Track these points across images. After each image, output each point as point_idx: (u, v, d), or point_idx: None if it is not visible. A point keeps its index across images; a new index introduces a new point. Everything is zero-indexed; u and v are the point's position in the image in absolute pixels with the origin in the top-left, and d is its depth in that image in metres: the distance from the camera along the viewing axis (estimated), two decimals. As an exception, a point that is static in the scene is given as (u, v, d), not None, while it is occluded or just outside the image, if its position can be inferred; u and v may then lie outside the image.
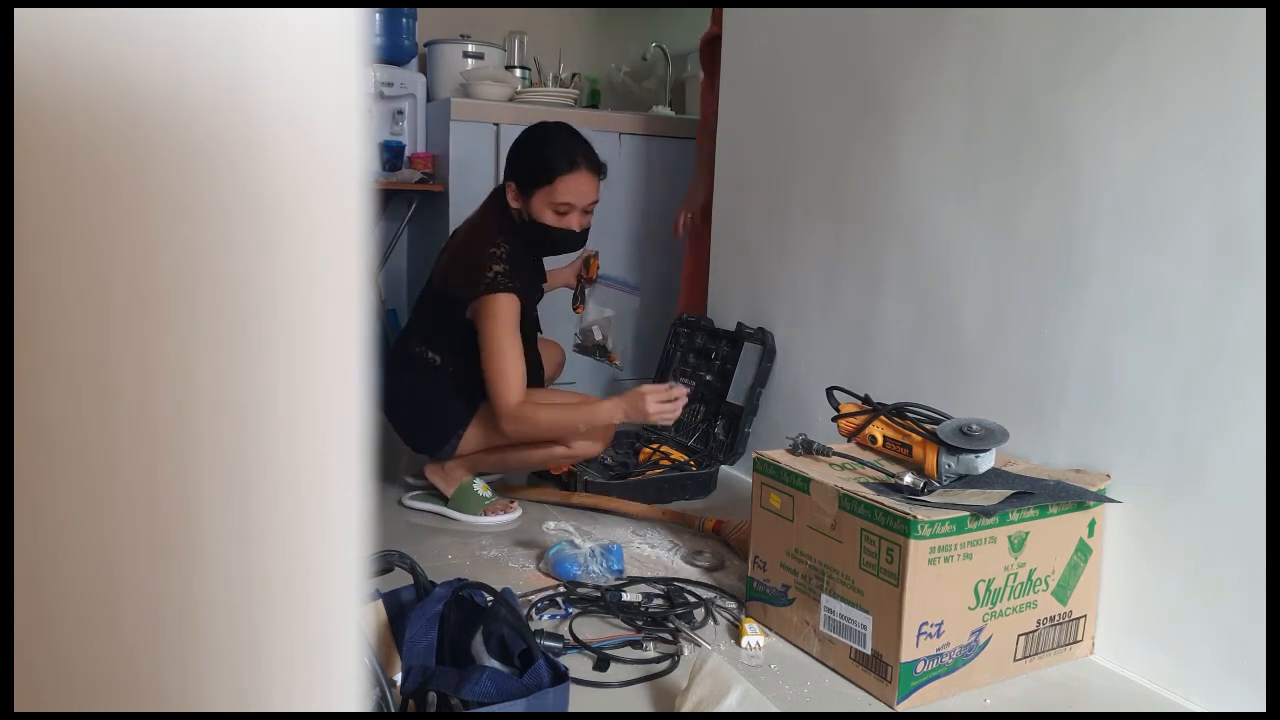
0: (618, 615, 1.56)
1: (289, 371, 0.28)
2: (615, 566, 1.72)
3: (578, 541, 1.76)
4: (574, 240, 1.96)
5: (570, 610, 1.58)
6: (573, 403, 1.96)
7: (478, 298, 1.86)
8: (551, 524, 1.92)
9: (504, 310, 1.85)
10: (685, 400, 1.88)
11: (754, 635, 1.50)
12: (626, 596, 1.62)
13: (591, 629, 1.53)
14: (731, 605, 1.64)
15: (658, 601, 1.62)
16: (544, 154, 1.91)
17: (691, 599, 1.64)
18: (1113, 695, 1.40)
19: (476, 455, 2.04)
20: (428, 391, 1.99)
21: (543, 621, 1.54)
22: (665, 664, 1.43)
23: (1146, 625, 1.44)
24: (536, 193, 1.90)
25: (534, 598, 1.61)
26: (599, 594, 1.61)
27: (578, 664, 1.40)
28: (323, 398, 0.29)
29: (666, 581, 1.72)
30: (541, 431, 1.89)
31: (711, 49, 2.70)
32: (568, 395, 2.09)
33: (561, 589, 1.65)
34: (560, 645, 1.42)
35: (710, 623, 1.58)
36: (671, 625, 1.52)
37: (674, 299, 3.12)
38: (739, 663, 1.45)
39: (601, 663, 1.42)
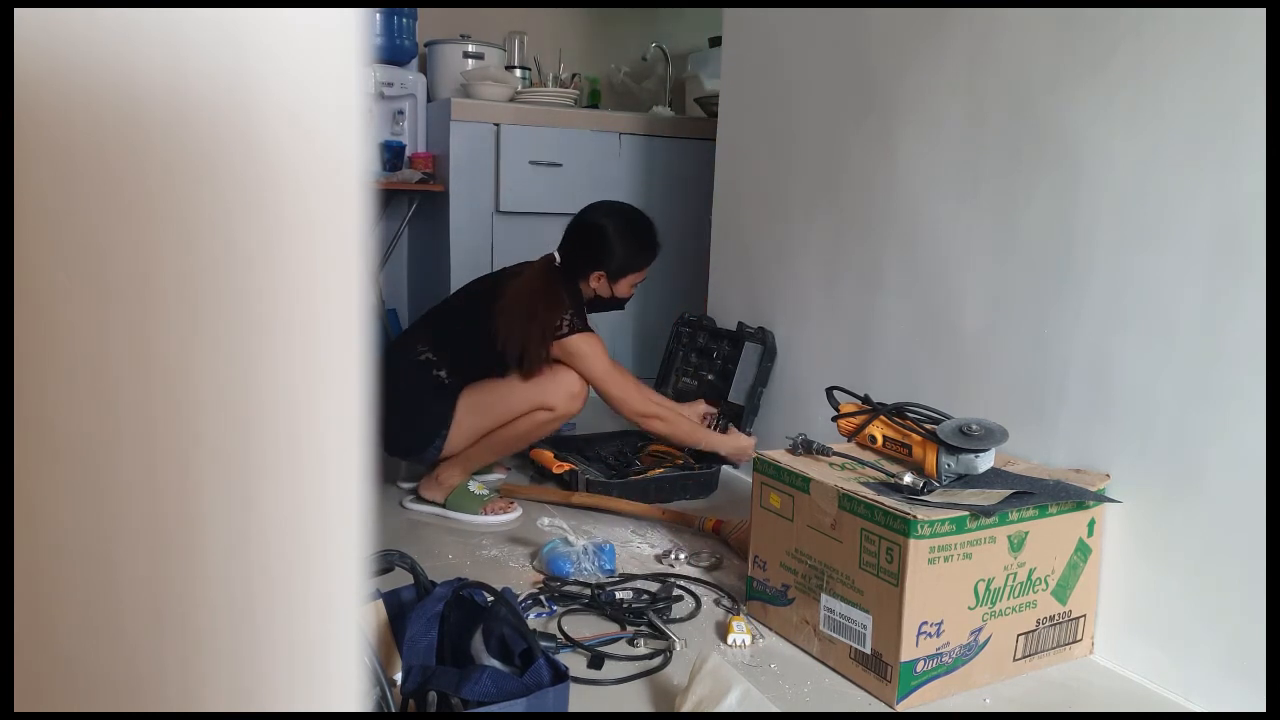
0: (602, 612, 1.57)
1: (289, 371, 0.28)
2: (608, 565, 1.74)
3: (571, 539, 1.79)
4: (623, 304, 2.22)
5: (555, 608, 1.59)
6: (694, 425, 2.24)
7: (556, 340, 2.01)
8: (546, 520, 1.94)
9: (596, 348, 2.04)
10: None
11: (740, 634, 1.50)
12: (620, 595, 1.62)
13: (578, 627, 1.54)
14: (727, 603, 1.64)
15: (644, 597, 1.63)
16: (647, 245, 2.13)
17: (676, 594, 1.65)
18: (1112, 695, 1.40)
19: (467, 453, 2.04)
20: (411, 393, 1.99)
21: (530, 620, 1.55)
22: (658, 660, 1.44)
23: (1146, 625, 1.44)
24: (628, 276, 2.12)
25: (519, 595, 1.62)
26: (585, 591, 1.62)
27: (570, 662, 1.41)
28: (323, 397, 0.29)
29: (659, 578, 1.72)
30: (675, 441, 2.22)
31: None
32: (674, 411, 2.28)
33: (546, 587, 1.66)
34: (554, 644, 1.42)
35: (696, 619, 1.59)
36: (648, 619, 1.53)
37: (676, 299, 3.12)
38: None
39: (596, 660, 1.42)
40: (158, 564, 0.26)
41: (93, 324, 0.25)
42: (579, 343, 2.02)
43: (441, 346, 2.02)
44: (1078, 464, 1.54)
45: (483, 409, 2.01)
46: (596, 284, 2.11)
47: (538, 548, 1.83)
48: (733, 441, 2.19)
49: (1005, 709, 1.36)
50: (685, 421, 2.19)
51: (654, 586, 1.69)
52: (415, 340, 2.05)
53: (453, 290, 2.28)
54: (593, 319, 2.15)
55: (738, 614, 1.56)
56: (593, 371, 2.03)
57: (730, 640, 1.50)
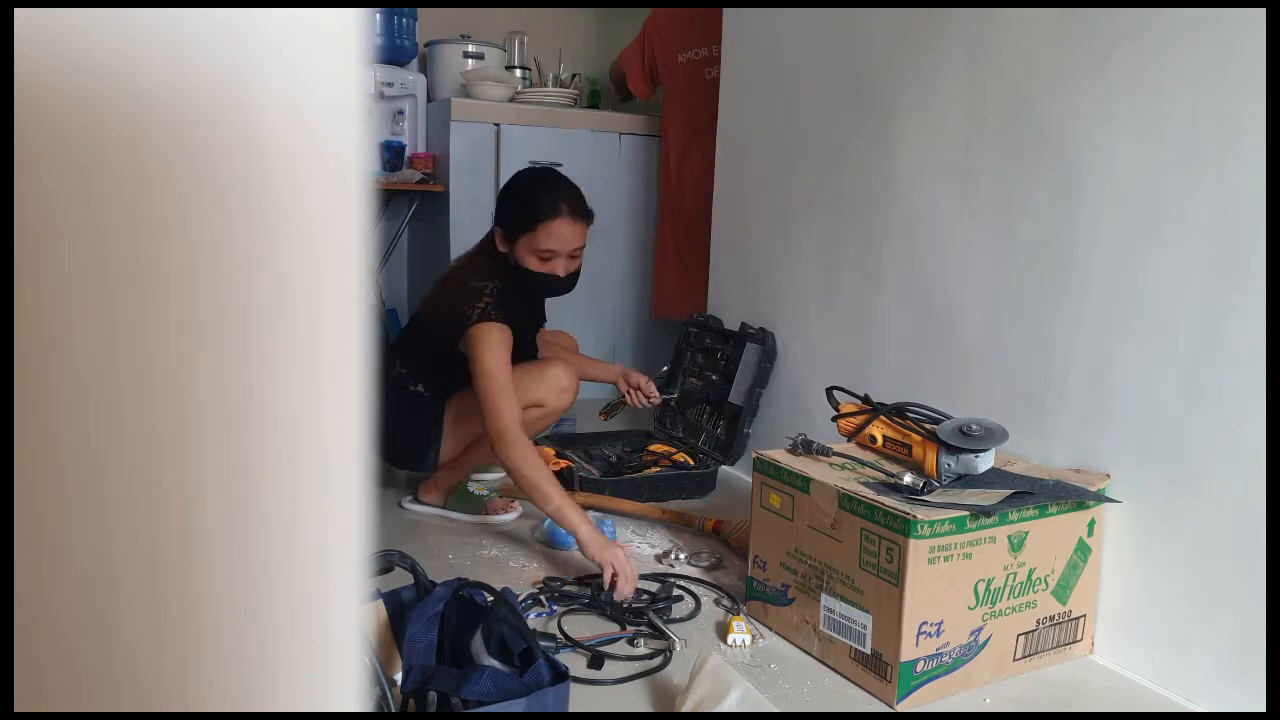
0: (602, 612, 1.58)
1: (289, 371, 0.28)
2: (609, 539, 1.77)
3: None
4: (560, 285, 1.94)
5: (555, 608, 1.59)
6: (550, 483, 1.71)
7: (466, 329, 1.84)
8: None
9: (494, 339, 1.82)
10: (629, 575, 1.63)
11: (740, 634, 1.50)
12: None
13: (578, 627, 1.54)
14: (727, 603, 1.64)
15: (644, 596, 1.63)
16: (528, 200, 1.89)
17: (677, 594, 1.66)
18: (1112, 695, 1.40)
19: (465, 456, 2.04)
20: (395, 410, 1.99)
21: (530, 620, 1.55)
22: (659, 659, 1.44)
23: (1146, 625, 1.44)
24: (520, 238, 1.89)
25: (519, 595, 1.62)
26: (585, 591, 1.63)
27: (570, 662, 1.41)
28: (323, 397, 0.29)
29: (659, 578, 1.73)
30: (515, 478, 1.76)
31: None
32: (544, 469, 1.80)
33: (546, 587, 1.67)
34: (554, 645, 1.42)
35: (696, 619, 1.59)
36: (648, 619, 1.54)
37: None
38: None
39: (596, 660, 1.42)
40: (158, 564, 0.26)
41: (93, 324, 0.25)
42: (481, 331, 1.82)
43: (411, 361, 2.03)
44: (1078, 464, 1.54)
45: (471, 415, 1.96)
46: (501, 245, 1.92)
47: (538, 522, 1.90)
48: (596, 541, 1.64)
49: (1005, 709, 1.36)
50: (541, 483, 1.69)
51: (653, 586, 1.69)
52: (393, 356, 2.06)
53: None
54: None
55: (737, 614, 1.56)
56: (479, 364, 1.79)
57: (730, 640, 1.50)
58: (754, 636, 1.52)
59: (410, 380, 2.02)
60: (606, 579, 1.60)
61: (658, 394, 2.26)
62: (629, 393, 2.26)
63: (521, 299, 1.95)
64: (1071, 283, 1.54)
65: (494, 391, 1.77)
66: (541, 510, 1.72)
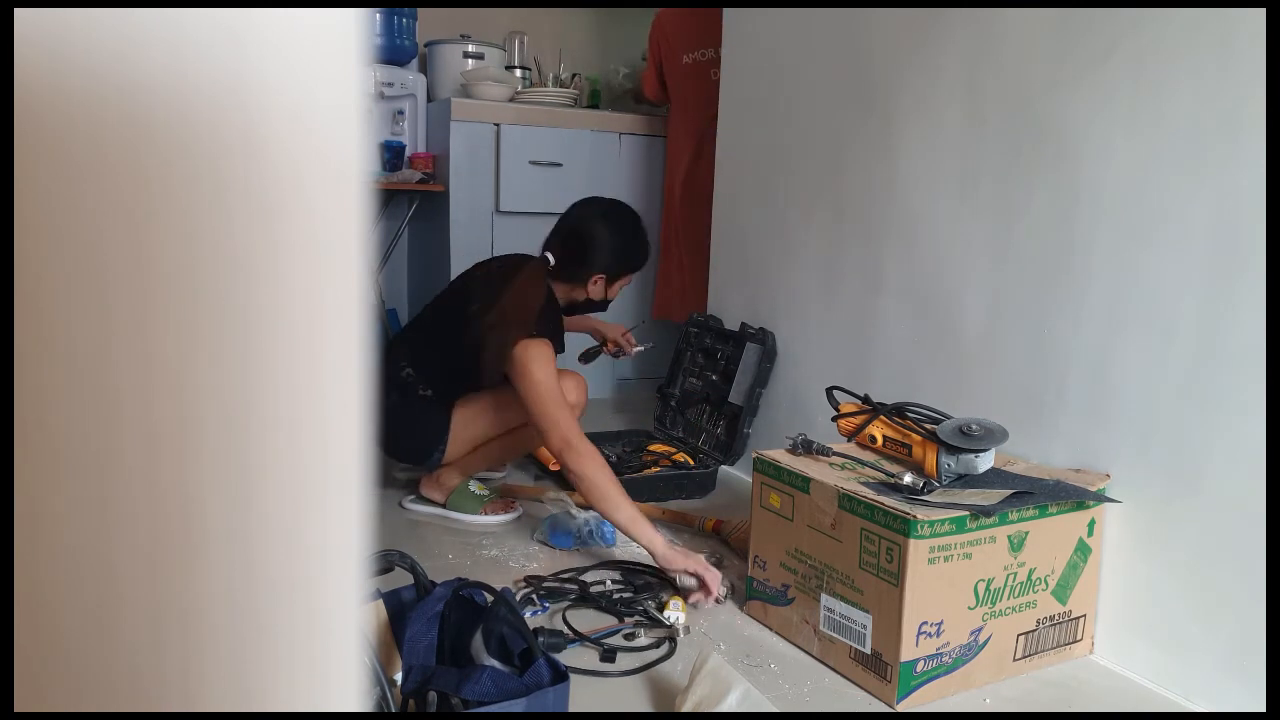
0: (594, 606, 1.59)
1: (289, 371, 0.28)
2: (608, 539, 1.85)
3: (574, 512, 1.87)
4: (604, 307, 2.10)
5: (547, 605, 1.60)
6: (623, 494, 1.71)
7: (514, 346, 1.83)
8: (550, 494, 1.98)
9: (545, 354, 1.83)
10: (719, 590, 1.65)
11: (675, 612, 1.53)
12: (599, 589, 1.66)
13: (574, 622, 1.54)
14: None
15: (623, 592, 1.66)
16: (644, 240, 2.03)
17: (641, 583, 1.69)
18: (1113, 695, 1.40)
19: (468, 458, 2.04)
20: (402, 409, 1.98)
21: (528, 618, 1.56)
22: (664, 648, 1.46)
23: (1146, 625, 1.44)
24: (623, 278, 2.03)
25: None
26: (573, 588, 1.65)
27: (577, 657, 1.41)
28: (323, 397, 0.29)
29: (616, 565, 1.78)
30: (585, 486, 1.72)
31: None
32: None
33: (528, 584, 1.68)
34: (561, 640, 1.43)
35: (693, 612, 1.61)
36: (644, 609, 1.55)
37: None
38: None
39: (609, 654, 1.43)
40: (158, 564, 0.26)
41: (93, 324, 0.25)
42: (531, 347, 1.81)
43: (420, 362, 2.00)
44: (1078, 464, 1.54)
45: (479, 420, 1.99)
46: (593, 287, 2.00)
47: (538, 520, 1.92)
48: (674, 552, 1.65)
49: (1005, 709, 1.36)
50: (618, 494, 1.69)
51: (615, 573, 1.73)
52: (398, 355, 2.02)
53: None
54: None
55: (677, 594, 1.61)
56: (534, 382, 1.78)
57: (664, 617, 1.52)
58: (686, 615, 1.54)
59: (420, 384, 2.00)
60: (691, 584, 1.61)
61: (637, 344, 2.31)
62: (610, 344, 2.32)
63: (555, 319, 1.98)
64: (1071, 283, 1.54)
65: (553, 404, 1.78)
66: (610, 519, 1.70)
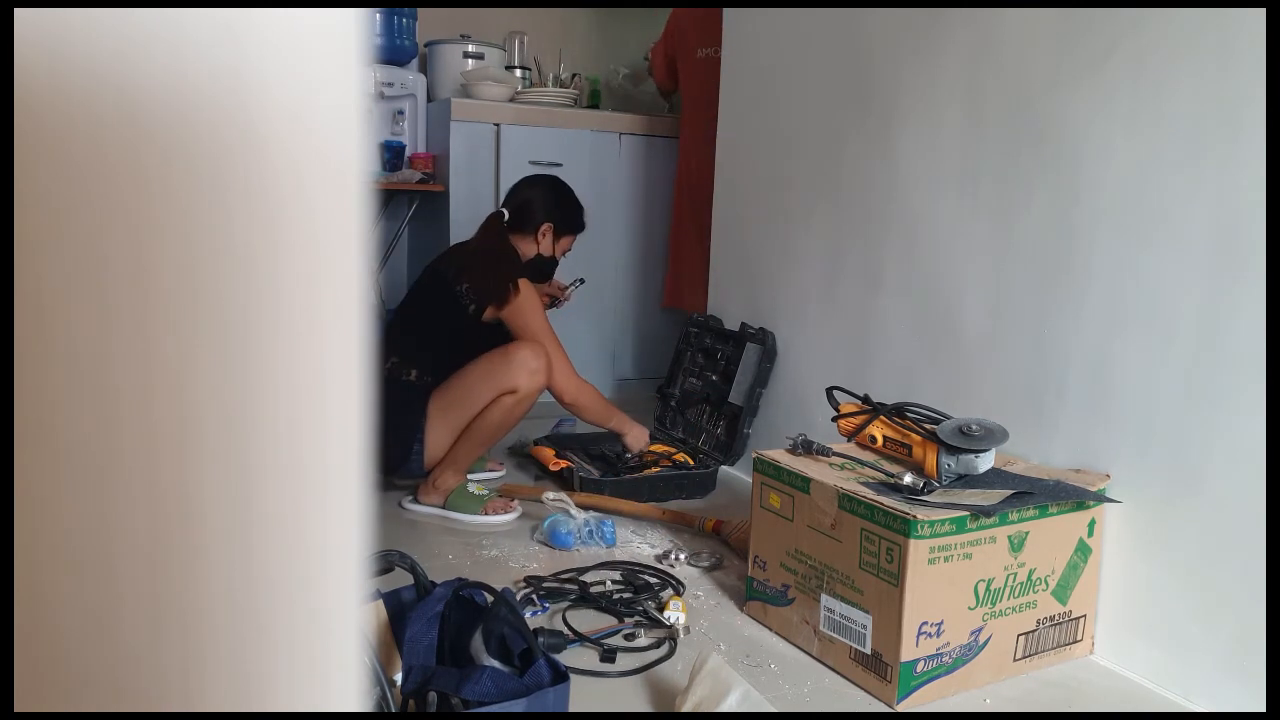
0: (594, 606, 1.59)
1: (289, 371, 0.28)
2: (608, 540, 1.87)
3: (574, 512, 1.89)
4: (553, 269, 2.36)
5: (547, 605, 1.60)
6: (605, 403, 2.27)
7: (511, 293, 2.09)
8: (550, 495, 1.97)
9: (537, 301, 2.12)
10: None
11: (675, 612, 1.53)
12: (599, 589, 1.66)
13: (574, 622, 1.54)
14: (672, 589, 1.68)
15: (623, 592, 1.65)
16: (579, 212, 2.31)
17: (642, 583, 1.69)
18: (1113, 695, 1.40)
19: (452, 454, 2.05)
20: (387, 409, 2.01)
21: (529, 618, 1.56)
22: (664, 648, 1.46)
23: (1146, 625, 1.44)
24: (562, 238, 2.27)
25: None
26: (573, 588, 1.65)
27: (577, 657, 1.41)
28: (323, 397, 0.29)
29: (616, 565, 1.78)
30: (584, 409, 2.21)
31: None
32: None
33: (528, 584, 1.68)
34: (561, 640, 1.42)
35: (692, 610, 1.61)
36: (643, 609, 1.55)
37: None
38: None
39: (609, 655, 1.43)
40: (158, 564, 0.26)
41: (93, 324, 0.25)
42: (524, 295, 2.09)
43: (403, 348, 2.06)
44: (1078, 464, 1.54)
45: (451, 407, 2.04)
46: (543, 240, 2.22)
47: (537, 521, 1.93)
48: (635, 431, 2.31)
49: (1005, 709, 1.36)
50: (603, 405, 2.25)
51: (616, 573, 1.73)
52: (385, 359, 2.08)
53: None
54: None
55: (678, 594, 1.62)
56: (532, 325, 2.09)
57: (664, 617, 1.52)
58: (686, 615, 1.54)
59: (404, 369, 2.06)
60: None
61: (568, 285, 2.52)
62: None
63: (520, 263, 2.23)
64: (1071, 283, 1.54)
65: (553, 344, 2.10)
66: (604, 427, 2.28)
